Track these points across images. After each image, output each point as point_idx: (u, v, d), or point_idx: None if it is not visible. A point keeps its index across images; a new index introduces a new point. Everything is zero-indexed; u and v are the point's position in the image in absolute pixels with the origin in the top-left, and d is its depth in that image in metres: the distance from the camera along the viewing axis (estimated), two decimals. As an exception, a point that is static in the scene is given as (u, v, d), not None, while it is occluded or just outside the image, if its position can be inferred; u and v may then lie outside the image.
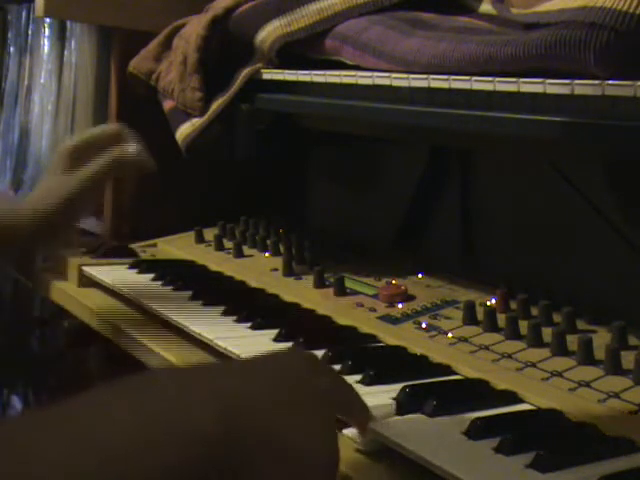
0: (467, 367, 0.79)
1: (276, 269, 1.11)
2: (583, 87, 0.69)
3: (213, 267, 1.17)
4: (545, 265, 1.01)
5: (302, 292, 1.03)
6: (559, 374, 0.75)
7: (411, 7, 1.00)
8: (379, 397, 0.71)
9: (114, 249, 1.22)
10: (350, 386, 0.65)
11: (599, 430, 0.66)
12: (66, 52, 1.54)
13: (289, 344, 0.85)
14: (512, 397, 0.73)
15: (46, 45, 1.61)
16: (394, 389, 0.72)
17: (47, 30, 1.60)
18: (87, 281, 1.13)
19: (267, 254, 1.18)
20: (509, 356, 0.80)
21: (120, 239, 1.31)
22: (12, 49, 1.75)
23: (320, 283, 1.04)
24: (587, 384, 0.73)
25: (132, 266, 1.16)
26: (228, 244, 1.23)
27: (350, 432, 0.67)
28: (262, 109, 1.11)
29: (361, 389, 0.72)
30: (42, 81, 1.62)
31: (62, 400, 0.50)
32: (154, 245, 1.29)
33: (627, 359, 0.75)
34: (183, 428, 0.50)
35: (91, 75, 1.46)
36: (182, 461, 0.49)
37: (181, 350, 0.90)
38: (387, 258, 1.12)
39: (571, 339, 0.80)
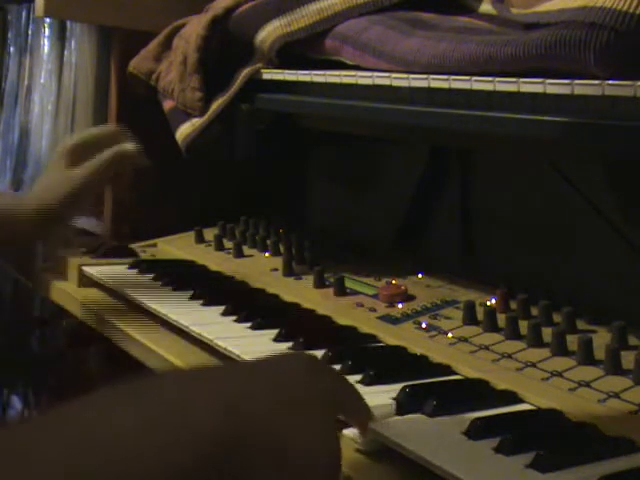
0: (467, 367, 0.79)
1: (276, 269, 1.11)
2: (583, 87, 0.69)
3: (213, 267, 1.17)
4: (545, 265, 1.01)
5: (302, 292, 1.03)
6: (559, 374, 0.75)
7: (411, 7, 1.00)
8: (379, 397, 0.71)
9: (114, 249, 1.22)
10: (352, 386, 0.65)
11: (599, 430, 0.66)
12: (66, 52, 1.54)
13: (289, 344, 0.85)
14: (512, 397, 0.73)
15: (46, 45, 1.61)
16: (394, 389, 0.72)
17: (47, 30, 1.60)
18: (87, 281, 1.13)
19: (267, 254, 1.18)
20: (509, 356, 0.80)
21: (120, 239, 1.31)
22: (12, 49, 1.75)
23: (320, 283, 1.04)
24: (587, 384, 0.73)
25: (132, 266, 1.16)
26: (228, 244, 1.23)
27: (350, 432, 0.67)
28: (262, 109, 1.11)
29: (361, 389, 0.72)
30: (42, 81, 1.62)
31: (64, 401, 0.50)
32: (154, 245, 1.29)
33: (627, 359, 0.75)
34: (185, 429, 0.51)
35: (91, 75, 1.46)
36: (184, 462, 0.49)
37: (181, 350, 0.90)
38: (387, 258, 1.12)
39: (571, 339, 0.80)
